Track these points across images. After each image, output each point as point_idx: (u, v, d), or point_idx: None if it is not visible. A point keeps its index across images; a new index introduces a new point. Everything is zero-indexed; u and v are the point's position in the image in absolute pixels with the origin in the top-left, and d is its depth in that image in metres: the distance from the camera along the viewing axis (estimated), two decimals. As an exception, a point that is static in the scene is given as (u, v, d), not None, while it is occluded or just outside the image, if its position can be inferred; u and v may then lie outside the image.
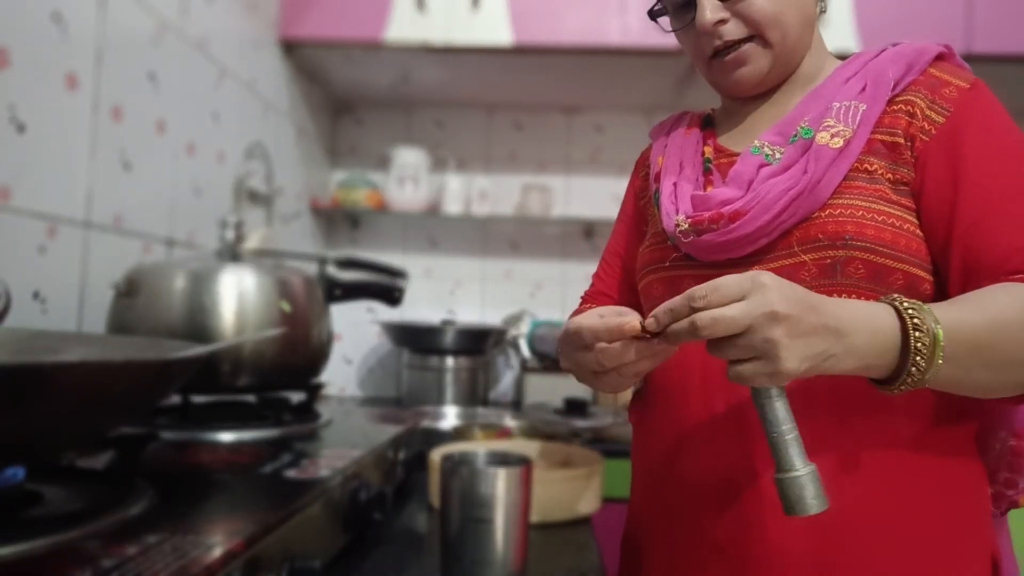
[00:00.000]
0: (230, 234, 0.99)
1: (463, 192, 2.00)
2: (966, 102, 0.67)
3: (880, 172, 0.67)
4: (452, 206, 1.98)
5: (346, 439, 0.86)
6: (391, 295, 1.11)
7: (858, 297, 0.65)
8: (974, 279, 0.62)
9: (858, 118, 0.67)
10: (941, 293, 0.66)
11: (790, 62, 0.74)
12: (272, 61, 1.65)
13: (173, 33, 1.21)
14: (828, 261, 0.65)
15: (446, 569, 0.64)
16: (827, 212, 0.66)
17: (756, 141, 0.71)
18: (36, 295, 0.91)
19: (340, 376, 2.08)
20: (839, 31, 1.62)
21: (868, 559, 0.64)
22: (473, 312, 2.12)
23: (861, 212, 0.65)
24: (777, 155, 0.69)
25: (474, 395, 1.86)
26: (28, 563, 0.42)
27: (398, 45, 1.67)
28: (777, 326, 0.53)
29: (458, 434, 1.38)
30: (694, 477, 0.69)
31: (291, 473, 0.66)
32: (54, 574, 0.41)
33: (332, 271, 1.08)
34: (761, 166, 0.69)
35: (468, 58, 1.73)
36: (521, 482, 0.65)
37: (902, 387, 0.58)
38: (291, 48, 1.72)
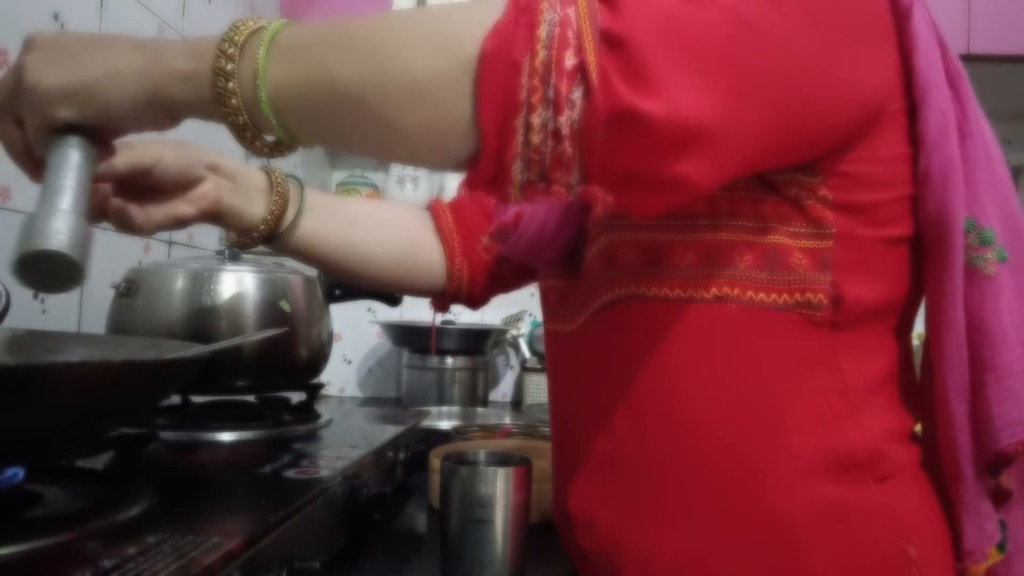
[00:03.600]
0: (230, 234, 0.99)
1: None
2: None
3: None
4: (452, 206, 1.97)
5: (346, 439, 0.86)
6: (391, 295, 1.11)
7: (638, 289, 0.54)
8: None
9: None
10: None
11: None
12: (272, 61, 1.65)
13: (173, 33, 1.21)
14: (596, 252, 0.58)
15: (446, 569, 0.64)
16: None
17: None
18: (36, 295, 0.91)
19: (340, 376, 2.08)
20: (839, 31, 1.61)
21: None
22: (473, 312, 2.11)
23: None
24: None
25: (474, 395, 1.86)
26: (28, 563, 0.42)
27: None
28: (26, 53, 0.44)
29: (458, 434, 1.38)
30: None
31: (291, 473, 0.66)
32: (54, 574, 0.41)
33: (332, 271, 1.07)
34: None
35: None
36: (521, 482, 0.65)
37: (229, 105, 0.42)
38: (291, 48, 1.72)
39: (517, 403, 2.01)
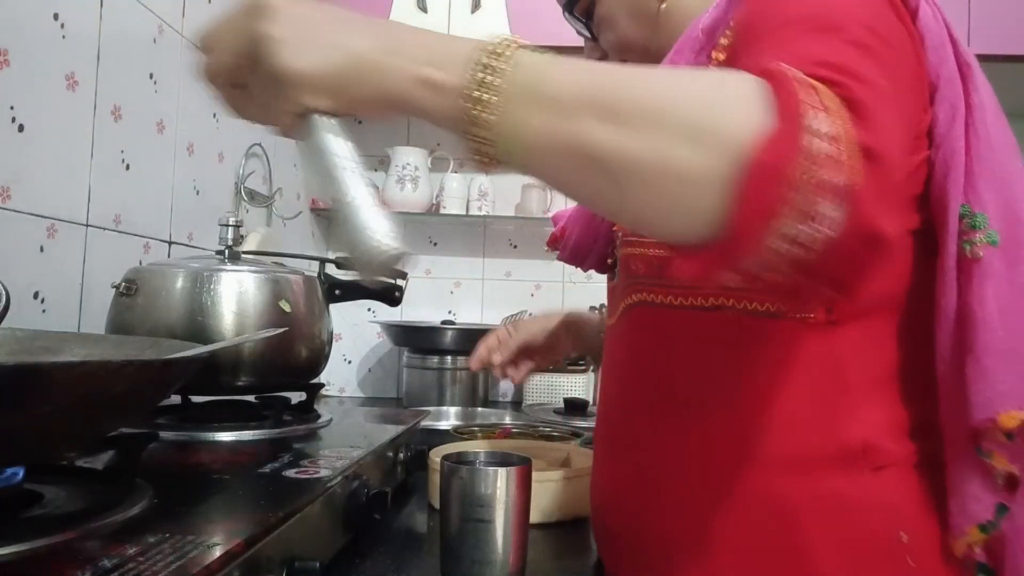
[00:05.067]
0: (230, 234, 0.99)
1: (463, 192, 1.99)
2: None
3: None
4: (452, 206, 1.98)
5: (346, 439, 0.86)
6: (391, 295, 1.11)
7: (648, 296, 0.59)
8: None
9: None
10: None
11: (666, 53, 0.64)
12: (272, 61, 1.65)
13: (173, 33, 1.21)
14: (611, 262, 0.65)
15: (446, 569, 0.64)
16: None
17: None
18: (36, 295, 0.91)
19: (340, 376, 2.08)
20: (839, 31, 1.61)
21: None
22: (473, 312, 2.12)
23: None
24: None
25: (474, 395, 1.86)
26: (28, 563, 0.42)
27: (398, 45, 1.67)
28: (266, 19, 0.41)
29: (458, 434, 1.38)
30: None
31: (291, 473, 0.66)
32: (54, 574, 0.41)
33: (332, 271, 1.07)
34: None
35: (468, 58, 1.73)
36: (521, 482, 0.65)
37: (475, 135, 0.40)
38: (291, 48, 1.72)
39: (517, 403, 2.01)
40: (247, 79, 0.43)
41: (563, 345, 0.91)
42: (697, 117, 0.38)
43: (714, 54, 0.57)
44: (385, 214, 0.42)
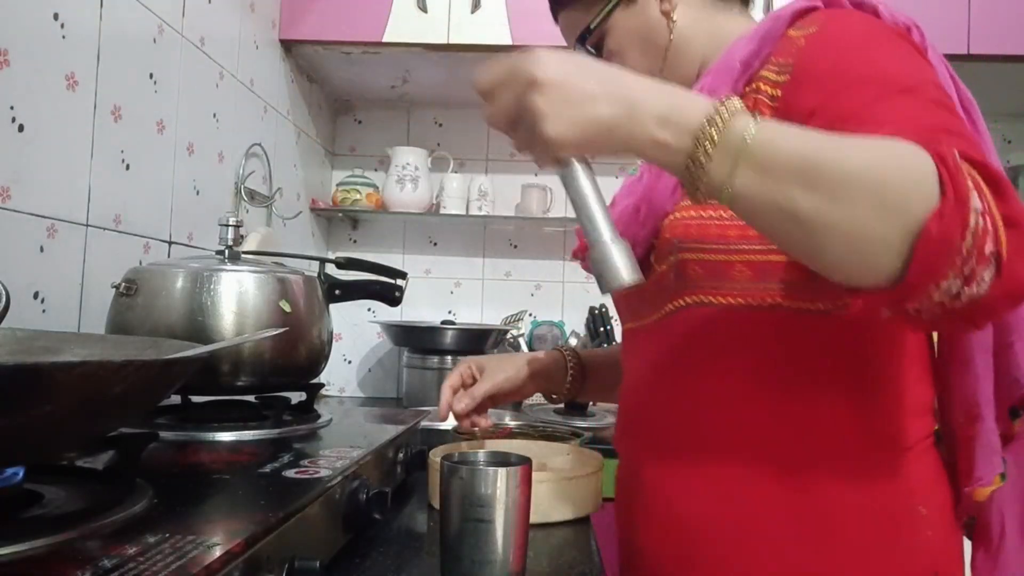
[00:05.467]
0: (230, 234, 0.99)
1: (463, 192, 2.00)
2: (804, 49, 0.61)
3: None
4: (452, 206, 1.98)
5: (346, 439, 0.86)
6: (391, 295, 1.11)
7: (705, 297, 0.65)
8: None
9: None
10: (801, 267, 0.59)
11: (674, 83, 0.73)
12: (272, 61, 1.65)
13: (173, 33, 1.21)
14: (666, 267, 0.67)
15: (446, 569, 0.64)
16: (667, 219, 0.67)
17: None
18: (36, 295, 0.91)
19: (340, 376, 2.08)
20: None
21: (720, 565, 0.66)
22: (473, 312, 2.12)
23: (693, 211, 0.65)
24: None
25: (474, 395, 1.86)
26: (28, 563, 0.42)
27: (398, 45, 1.67)
28: (534, 92, 0.50)
29: (458, 434, 1.38)
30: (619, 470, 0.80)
31: (291, 473, 0.66)
32: (54, 574, 0.41)
33: (332, 271, 1.07)
34: (636, 181, 0.73)
35: (468, 58, 1.73)
36: (521, 482, 0.65)
37: (699, 187, 0.49)
38: (291, 48, 1.72)
39: (517, 403, 2.01)
40: (517, 127, 0.53)
41: (527, 391, 0.94)
42: (886, 193, 0.46)
43: (753, 84, 0.65)
44: (625, 249, 0.52)
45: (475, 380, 0.92)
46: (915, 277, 0.45)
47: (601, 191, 0.54)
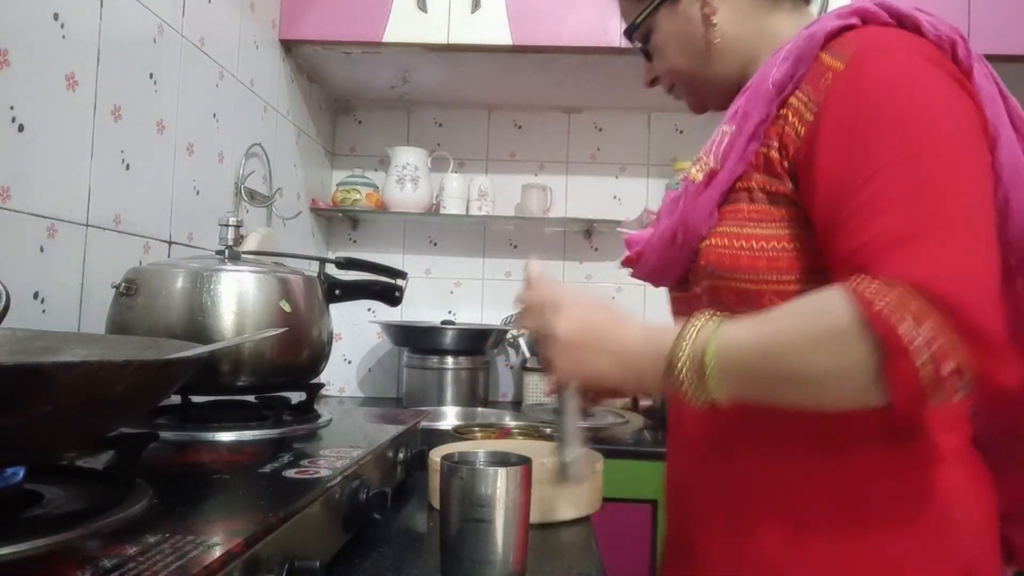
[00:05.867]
0: (230, 234, 0.99)
1: (463, 192, 1.99)
2: (831, 90, 0.61)
3: (760, 188, 0.65)
4: (452, 206, 1.97)
5: (346, 439, 0.86)
6: (391, 295, 1.11)
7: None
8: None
9: (721, 150, 0.67)
10: None
11: (717, 83, 0.79)
12: (272, 61, 1.65)
13: (173, 33, 1.21)
14: (701, 290, 0.70)
15: (446, 569, 0.64)
16: (705, 243, 0.69)
17: (684, 172, 0.77)
18: (36, 295, 0.91)
19: (340, 376, 2.08)
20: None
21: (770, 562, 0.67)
22: (473, 312, 2.12)
23: (726, 240, 0.67)
24: (699, 176, 0.71)
25: (474, 395, 1.86)
26: (28, 563, 0.42)
27: (398, 45, 1.67)
28: (552, 346, 0.66)
29: (458, 434, 1.38)
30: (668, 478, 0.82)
31: (291, 473, 0.66)
32: (54, 574, 0.41)
33: (332, 271, 1.07)
34: (674, 199, 0.74)
35: (468, 58, 1.73)
36: (521, 482, 0.65)
37: (697, 401, 0.60)
38: (291, 48, 1.72)
39: (517, 403, 2.01)
40: (539, 347, 0.69)
41: (626, 390, 0.98)
42: (839, 377, 0.54)
43: (784, 110, 0.65)
44: (582, 458, 0.70)
45: None
46: (903, 409, 0.53)
47: (579, 416, 0.70)
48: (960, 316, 0.50)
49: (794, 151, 0.63)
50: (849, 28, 0.64)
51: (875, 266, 0.53)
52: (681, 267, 0.72)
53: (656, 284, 0.79)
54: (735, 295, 0.66)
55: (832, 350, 0.54)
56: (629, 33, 0.83)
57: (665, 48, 0.80)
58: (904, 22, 0.64)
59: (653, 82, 0.87)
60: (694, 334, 0.59)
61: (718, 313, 0.60)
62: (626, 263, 0.81)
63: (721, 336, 0.58)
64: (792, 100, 0.64)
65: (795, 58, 0.65)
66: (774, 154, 0.64)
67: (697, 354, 0.58)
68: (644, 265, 0.77)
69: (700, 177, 0.68)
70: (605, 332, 0.65)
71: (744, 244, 0.65)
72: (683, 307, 0.77)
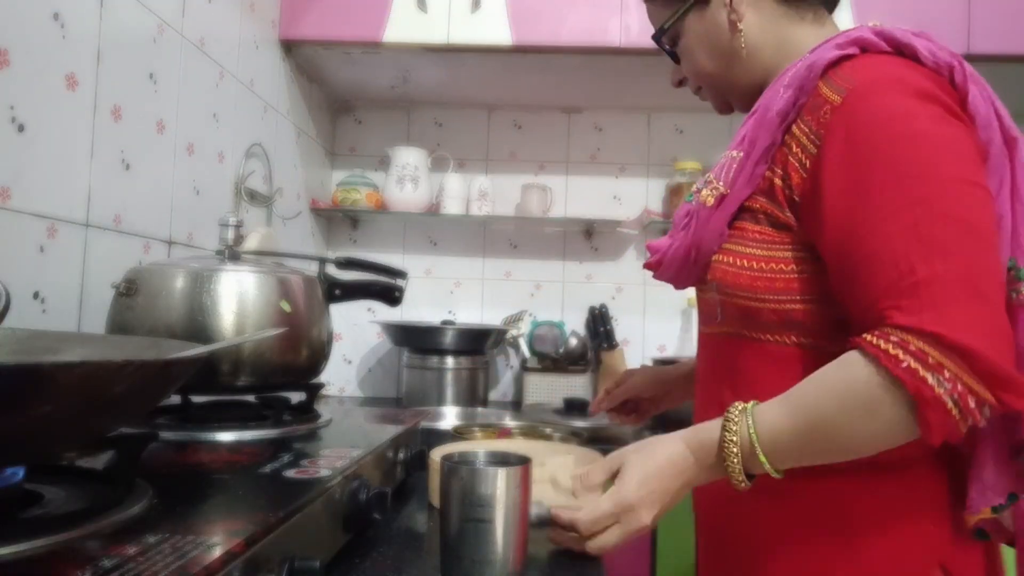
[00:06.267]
0: (230, 234, 0.99)
1: (463, 192, 2.00)
2: (831, 126, 0.64)
3: (764, 211, 0.70)
4: (452, 206, 1.98)
5: (346, 439, 0.86)
6: (391, 295, 1.11)
7: (740, 330, 0.73)
8: (855, 329, 0.62)
9: (731, 174, 0.72)
10: (821, 316, 0.68)
11: (742, 86, 0.81)
12: (272, 61, 1.65)
13: (173, 33, 1.21)
14: (713, 302, 0.76)
15: (446, 569, 0.64)
16: (715, 257, 0.73)
17: (698, 183, 0.79)
18: (36, 295, 0.91)
19: (340, 376, 2.08)
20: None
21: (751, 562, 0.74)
22: (473, 312, 2.12)
23: (731, 258, 0.71)
24: (710, 200, 0.74)
25: (474, 395, 1.86)
26: (28, 563, 0.42)
27: (398, 45, 1.67)
28: (638, 513, 0.68)
29: (458, 434, 1.38)
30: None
31: (291, 473, 0.66)
32: (54, 574, 0.41)
33: (332, 271, 1.07)
34: (688, 214, 0.77)
35: (468, 58, 1.73)
36: (521, 482, 0.65)
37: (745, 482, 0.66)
38: (291, 48, 1.72)
39: (517, 403, 2.01)
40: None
41: (676, 396, 1.04)
42: (877, 436, 0.60)
43: (788, 137, 0.68)
44: None
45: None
46: (938, 442, 0.58)
47: None
48: (974, 360, 0.55)
49: (799, 182, 0.66)
50: (848, 58, 0.67)
51: (890, 318, 0.58)
52: (697, 277, 0.77)
53: (677, 288, 0.83)
54: (738, 309, 0.72)
55: (871, 415, 0.59)
56: (658, 36, 0.85)
57: (692, 52, 0.83)
58: (903, 51, 0.66)
59: (680, 83, 0.90)
60: (736, 440, 0.64)
61: (743, 406, 0.65)
62: (648, 267, 0.85)
63: (763, 432, 0.63)
64: (794, 129, 0.68)
65: (796, 87, 0.68)
66: (778, 182, 0.68)
67: (746, 454, 0.64)
68: (664, 272, 0.82)
69: (711, 201, 0.73)
70: (663, 482, 0.68)
71: (746, 264, 0.70)
72: (705, 311, 0.82)
